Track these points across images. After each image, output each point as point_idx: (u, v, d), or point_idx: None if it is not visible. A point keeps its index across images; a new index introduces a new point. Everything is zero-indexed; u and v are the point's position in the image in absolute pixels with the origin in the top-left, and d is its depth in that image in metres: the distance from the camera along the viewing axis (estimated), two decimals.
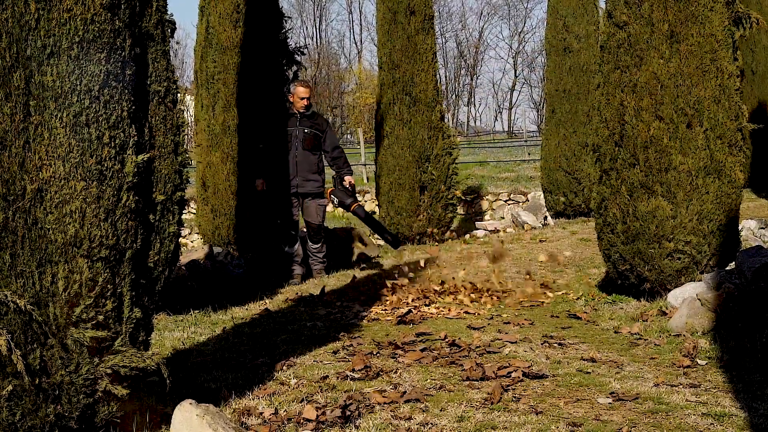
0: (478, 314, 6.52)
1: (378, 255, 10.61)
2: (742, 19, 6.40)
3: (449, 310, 6.70)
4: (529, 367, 4.63)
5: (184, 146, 3.71)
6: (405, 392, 4.11)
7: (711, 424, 3.54)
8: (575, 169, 13.73)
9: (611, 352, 5.05)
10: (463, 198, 17.23)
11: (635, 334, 5.46)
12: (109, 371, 3.15)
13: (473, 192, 18.63)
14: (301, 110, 8.99)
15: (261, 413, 3.79)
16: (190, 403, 3.29)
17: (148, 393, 3.52)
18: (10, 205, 2.97)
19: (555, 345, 5.29)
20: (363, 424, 3.62)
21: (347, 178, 9.36)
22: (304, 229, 9.15)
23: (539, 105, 60.20)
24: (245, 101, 9.49)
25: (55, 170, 3.00)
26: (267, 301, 7.52)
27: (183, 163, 3.64)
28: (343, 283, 8.26)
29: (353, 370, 4.61)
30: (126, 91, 3.22)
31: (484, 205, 18.33)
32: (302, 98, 9.00)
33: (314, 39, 62.48)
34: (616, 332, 5.60)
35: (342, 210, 10.23)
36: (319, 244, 9.09)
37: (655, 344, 5.15)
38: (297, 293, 7.88)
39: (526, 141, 31.52)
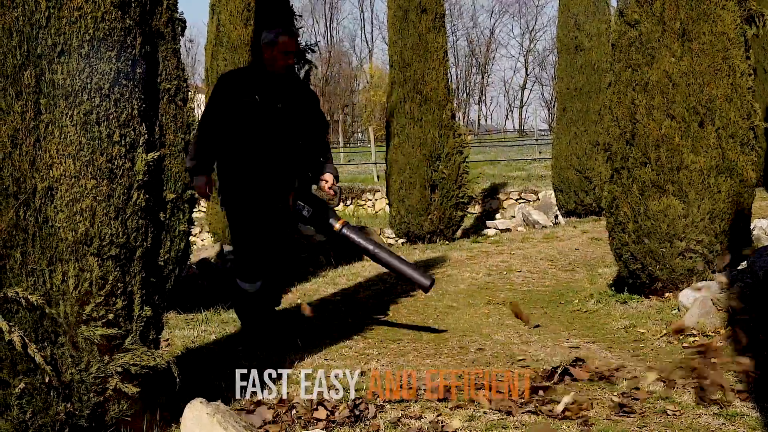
0: (490, 313, 6.50)
1: None
2: (754, 17, 6.37)
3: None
4: (540, 366, 4.61)
5: None
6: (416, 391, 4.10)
7: (723, 424, 3.52)
8: (586, 168, 13.70)
9: (622, 351, 5.03)
10: (473, 197, 17.24)
11: (647, 333, 5.44)
12: (119, 369, 3.15)
13: (484, 191, 18.61)
14: (282, 72, 5.46)
15: (271, 412, 3.78)
16: (201, 402, 3.29)
17: (159, 391, 3.52)
18: (21, 203, 2.98)
19: (566, 344, 5.27)
20: (373, 423, 3.62)
21: (328, 176, 5.67)
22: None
23: (550, 103, 60.14)
24: None
25: (65, 168, 3.00)
26: None
27: None
28: (352, 283, 8.26)
29: (364, 371, 4.60)
30: (136, 89, 3.22)
31: (495, 204, 18.31)
32: (287, 53, 5.43)
33: (326, 37, 62.61)
34: (627, 331, 5.58)
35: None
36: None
37: (667, 343, 5.13)
38: (305, 293, 7.88)
39: (537, 140, 31.47)
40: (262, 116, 5.34)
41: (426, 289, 5.74)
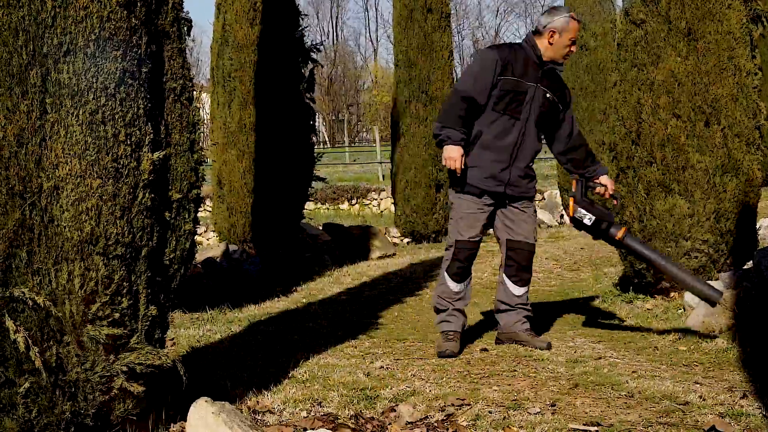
0: None
1: (394, 253, 10.60)
2: (760, 16, 6.36)
3: None
4: (544, 365, 4.61)
5: (200, 144, 3.71)
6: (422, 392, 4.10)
7: (728, 423, 3.51)
8: None
9: (627, 351, 5.02)
10: None
11: (652, 333, 5.43)
12: (124, 369, 3.15)
13: None
14: (561, 61, 5.15)
15: (276, 411, 3.78)
16: (206, 401, 3.29)
17: (164, 390, 3.52)
18: (27, 202, 2.98)
19: (571, 344, 5.27)
20: (379, 421, 3.62)
21: (605, 180, 5.32)
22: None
23: None
24: (262, 99, 9.50)
25: (71, 168, 3.00)
26: (283, 299, 7.52)
27: (199, 161, 3.64)
28: (357, 282, 8.26)
29: (369, 370, 4.60)
30: (142, 88, 3.22)
31: None
32: (574, 41, 5.15)
33: (331, 37, 62.63)
34: (632, 331, 5.57)
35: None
36: (527, 287, 5.30)
37: (672, 343, 5.13)
38: (311, 292, 7.88)
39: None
40: (534, 107, 5.09)
41: (713, 304, 5.13)
